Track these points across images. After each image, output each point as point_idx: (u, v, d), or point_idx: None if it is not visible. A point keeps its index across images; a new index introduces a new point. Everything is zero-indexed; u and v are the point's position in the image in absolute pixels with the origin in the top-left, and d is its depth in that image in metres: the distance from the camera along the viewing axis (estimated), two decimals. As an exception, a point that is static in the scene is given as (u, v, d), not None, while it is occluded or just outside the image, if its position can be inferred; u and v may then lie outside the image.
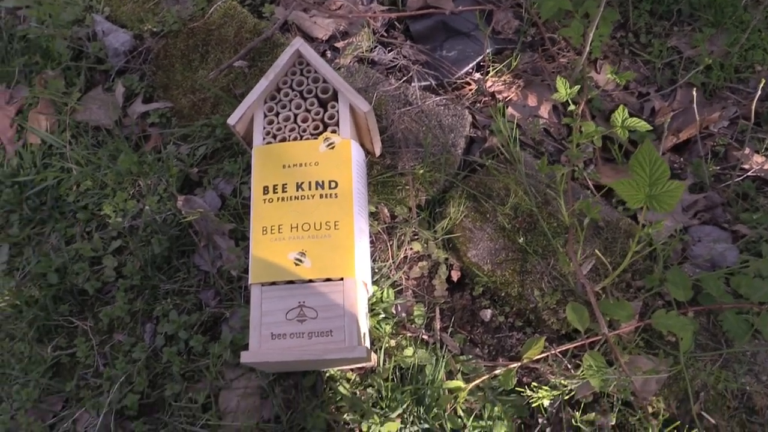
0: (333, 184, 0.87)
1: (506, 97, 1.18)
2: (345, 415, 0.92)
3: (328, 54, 1.23)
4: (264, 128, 0.92)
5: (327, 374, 0.94)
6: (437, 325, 0.98)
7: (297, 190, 0.87)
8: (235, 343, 0.96)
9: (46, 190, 1.16)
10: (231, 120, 0.91)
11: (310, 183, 0.87)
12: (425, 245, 1.01)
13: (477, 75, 1.21)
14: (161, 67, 1.25)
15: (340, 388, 0.93)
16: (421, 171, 1.03)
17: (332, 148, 0.89)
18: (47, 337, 1.04)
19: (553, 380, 0.91)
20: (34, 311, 1.03)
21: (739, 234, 1.03)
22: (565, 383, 0.87)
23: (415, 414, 0.91)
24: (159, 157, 1.14)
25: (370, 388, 0.94)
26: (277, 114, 0.93)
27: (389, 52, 1.22)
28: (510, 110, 1.15)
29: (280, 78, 0.94)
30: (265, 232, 0.86)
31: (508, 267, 0.97)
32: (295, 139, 0.90)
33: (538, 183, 1.03)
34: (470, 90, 1.19)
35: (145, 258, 1.05)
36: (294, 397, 0.93)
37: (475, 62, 1.21)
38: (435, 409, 0.91)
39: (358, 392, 0.93)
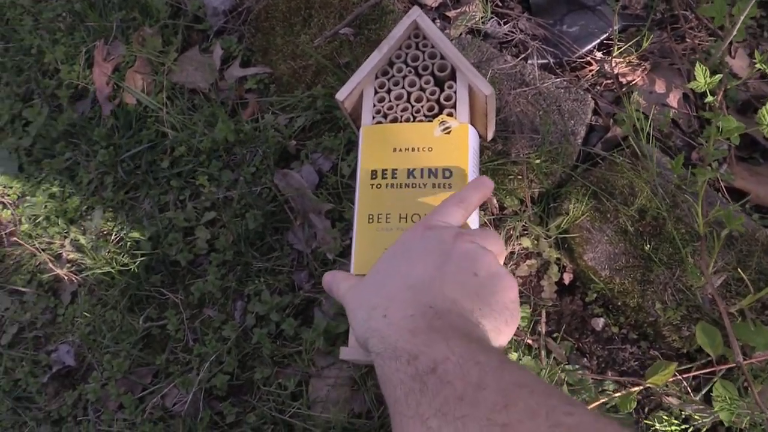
0: (447, 173, 0.78)
1: (631, 81, 1.07)
2: (439, 418, 0.87)
3: (438, 23, 1.15)
4: (374, 106, 0.84)
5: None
6: (543, 329, 0.91)
7: (408, 177, 0.79)
8: (328, 331, 0.91)
9: (141, 154, 1.13)
10: (339, 95, 0.84)
11: (422, 170, 0.78)
12: (535, 242, 0.93)
13: (599, 54, 1.10)
14: (261, 30, 1.19)
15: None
16: (537, 160, 0.95)
17: (448, 132, 0.80)
18: (138, 307, 1.02)
19: (667, 402, 0.83)
20: (126, 279, 1.02)
21: None
22: (696, 416, 0.79)
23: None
24: (256, 126, 1.09)
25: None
26: (389, 91, 0.84)
27: (504, 24, 1.12)
28: (635, 96, 1.04)
29: (393, 51, 0.86)
30: (371, 221, 0.78)
31: (629, 275, 0.88)
32: (407, 120, 0.82)
33: (667, 183, 0.93)
34: (590, 71, 1.09)
35: (238, 232, 1.01)
36: (386, 393, 0.89)
37: (598, 40, 1.10)
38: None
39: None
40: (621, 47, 1.08)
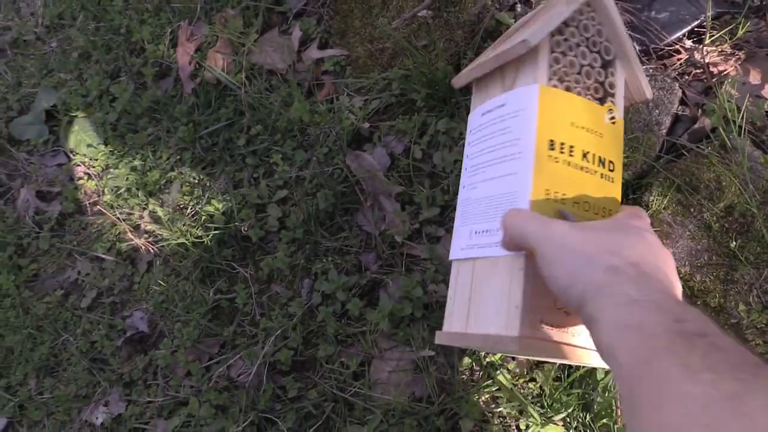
0: (612, 166, 0.71)
1: (723, 71, 1.01)
2: (502, 408, 0.86)
3: (519, 8, 1.12)
4: (551, 66, 0.73)
5: (487, 359, 0.88)
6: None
7: (582, 159, 0.70)
8: (393, 314, 0.91)
9: (219, 131, 1.16)
10: (533, 39, 0.72)
11: (594, 156, 0.71)
12: (611, 235, 0.90)
13: (688, 42, 1.05)
14: (339, 12, 1.20)
15: (500, 377, 0.86)
16: (617, 150, 0.91)
17: (614, 123, 0.73)
18: (209, 279, 1.05)
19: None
20: (199, 252, 1.05)
21: None
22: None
23: (580, 420, 0.83)
24: (331, 107, 1.10)
25: (533, 383, 0.86)
26: (564, 54, 0.74)
27: (589, 9, 1.08)
28: (728, 87, 0.98)
29: (573, 10, 0.75)
30: (548, 194, 0.68)
31: (710, 272, 0.84)
32: (578, 93, 0.73)
33: (759, 178, 0.87)
34: (679, 60, 1.03)
35: (308, 211, 1.02)
36: (449, 378, 0.88)
37: (689, 27, 1.04)
38: (605, 419, 0.82)
39: (519, 384, 0.86)
40: (713, 35, 1.03)
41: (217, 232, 1.06)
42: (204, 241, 1.06)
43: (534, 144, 0.66)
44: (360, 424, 0.87)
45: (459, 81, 0.76)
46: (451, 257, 0.63)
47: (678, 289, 0.48)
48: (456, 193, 0.97)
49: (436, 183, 0.99)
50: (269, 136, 1.12)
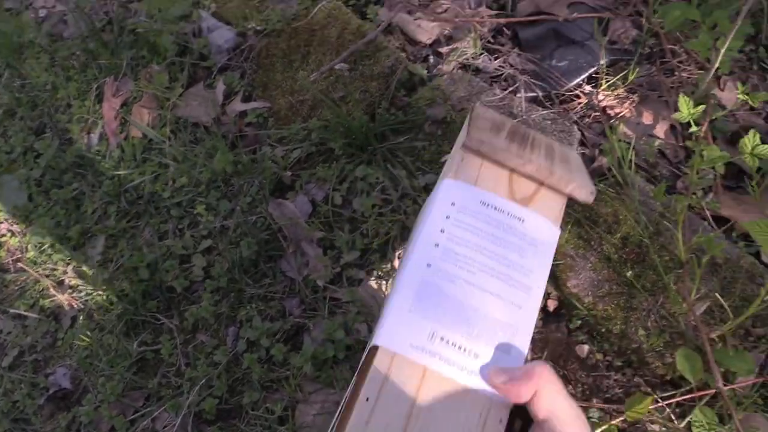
0: None
1: (618, 113, 1.09)
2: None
3: (431, 59, 1.19)
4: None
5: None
6: (528, 356, 0.92)
7: None
8: (316, 357, 0.93)
9: (144, 185, 1.17)
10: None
11: None
12: (521, 270, 0.95)
13: (587, 88, 1.13)
14: (262, 66, 1.24)
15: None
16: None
17: None
18: (134, 332, 1.05)
19: (652, 430, 0.83)
20: (123, 305, 1.05)
21: None
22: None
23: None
24: (254, 158, 1.13)
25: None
26: None
27: (495, 59, 1.16)
28: (622, 128, 1.06)
29: None
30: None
31: (612, 301, 0.89)
32: None
33: (651, 211, 0.94)
34: (579, 104, 1.11)
35: (233, 260, 1.04)
36: (372, 418, 0.90)
37: (587, 74, 1.13)
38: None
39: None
40: (609, 80, 1.11)
41: (141, 284, 1.06)
42: (128, 294, 1.06)
43: (544, 288, 0.60)
44: (286, 469, 0.88)
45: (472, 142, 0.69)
46: (383, 344, 0.45)
47: None
48: (375, 236, 1.00)
49: (356, 227, 1.02)
50: (194, 187, 1.14)
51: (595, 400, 0.88)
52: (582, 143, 1.05)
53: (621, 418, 0.81)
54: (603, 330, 0.89)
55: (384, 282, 0.99)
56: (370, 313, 0.96)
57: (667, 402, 0.84)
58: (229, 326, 1.01)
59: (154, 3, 1.37)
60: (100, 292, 1.08)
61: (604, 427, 0.82)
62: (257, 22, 1.29)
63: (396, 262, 1.00)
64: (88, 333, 1.07)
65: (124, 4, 1.47)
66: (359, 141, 1.05)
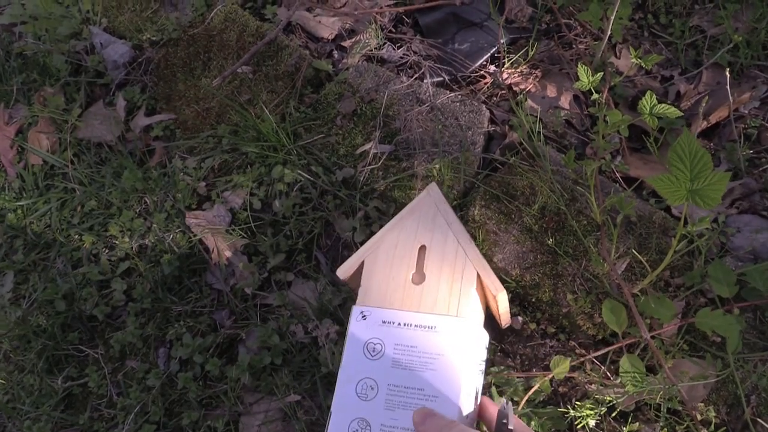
0: None
1: (524, 89, 1.12)
2: None
3: (336, 54, 1.18)
4: None
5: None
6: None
7: None
8: (253, 366, 0.91)
9: (50, 213, 1.11)
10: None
11: None
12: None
13: (492, 67, 1.15)
14: (162, 78, 1.20)
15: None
16: (437, 166, 0.97)
17: None
18: (57, 368, 0.99)
19: (591, 390, 0.85)
20: (42, 341, 0.99)
21: (782, 221, 0.96)
22: (609, 398, 0.81)
23: None
24: (164, 172, 1.09)
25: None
26: None
27: (398, 48, 1.16)
28: (529, 103, 1.09)
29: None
30: None
31: (538, 270, 0.91)
32: None
33: (565, 179, 0.97)
34: (485, 84, 1.13)
35: (155, 279, 1.00)
36: (317, 419, 0.88)
37: (489, 54, 1.15)
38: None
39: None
40: (511, 59, 1.13)
41: (59, 317, 1.00)
42: (46, 329, 1.00)
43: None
44: (235, 485, 0.85)
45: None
46: None
47: None
48: (299, 236, 0.99)
49: (279, 230, 1.01)
50: (104, 209, 1.09)
51: (534, 370, 0.89)
52: (492, 121, 1.07)
53: (550, 376, 0.83)
54: (533, 300, 0.91)
55: (313, 282, 0.97)
56: (303, 313, 0.94)
57: (600, 359, 0.87)
58: (159, 348, 0.97)
59: (39, 23, 1.30)
60: (15, 332, 1.02)
61: (536, 386, 0.83)
62: (152, 33, 1.24)
63: (322, 257, 0.99)
64: (7, 376, 1.00)
65: (8, 27, 1.39)
66: (272, 142, 1.03)
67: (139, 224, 1.05)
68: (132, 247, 1.04)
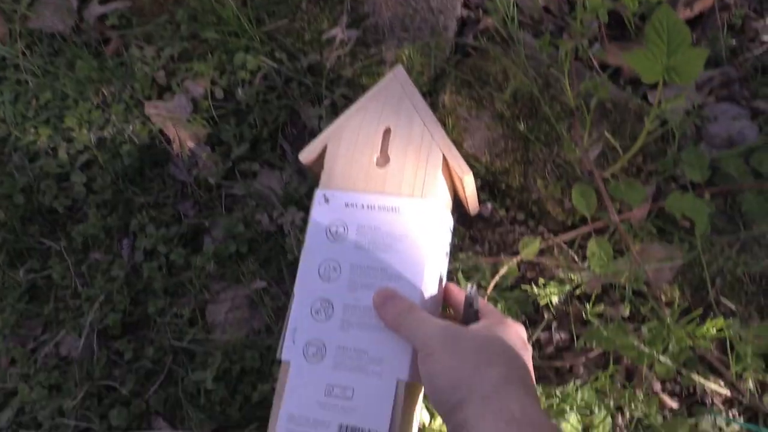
0: None
1: (500, -27, 1.06)
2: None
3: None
4: None
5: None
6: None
7: None
8: (218, 254, 0.89)
9: (3, 106, 1.06)
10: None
11: None
12: (417, 139, 0.93)
13: (466, -49, 1.09)
14: (117, -38, 1.13)
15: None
16: (407, 52, 0.94)
17: None
18: (19, 261, 0.97)
19: (558, 274, 0.85)
20: (2, 234, 0.97)
21: (759, 110, 0.94)
22: (573, 277, 0.81)
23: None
24: (121, 61, 1.04)
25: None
26: None
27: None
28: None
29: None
30: None
31: (509, 157, 0.89)
32: None
33: (539, 65, 0.93)
34: (459, -32, 1.07)
35: (115, 171, 0.97)
36: (283, 304, 0.88)
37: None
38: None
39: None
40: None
41: (18, 210, 0.98)
42: (6, 223, 0.97)
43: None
44: (203, 369, 0.85)
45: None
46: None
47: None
48: (264, 125, 0.96)
49: (243, 119, 0.97)
50: (60, 101, 1.04)
51: (503, 256, 0.89)
52: (465, 5, 1.02)
53: (518, 258, 0.83)
54: (503, 186, 0.90)
55: (279, 171, 0.95)
56: (269, 202, 0.92)
57: (568, 243, 0.86)
58: (122, 239, 0.95)
59: None
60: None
61: (504, 269, 0.83)
62: None
63: (287, 147, 0.97)
64: (-33, 271, 0.99)
65: None
66: (233, 28, 0.98)
67: (97, 116, 1.01)
68: (91, 140, 1.00)
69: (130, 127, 0.99)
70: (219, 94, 0.98)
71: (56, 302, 0.94)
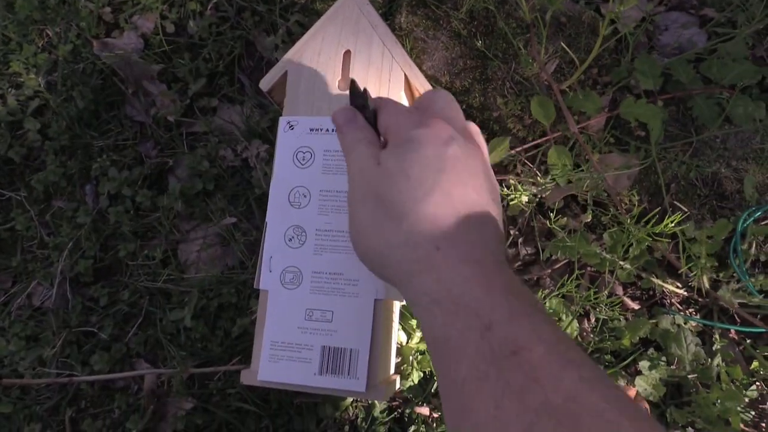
0: None
1: None
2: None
3: None
4: None
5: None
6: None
7: None
8: (185, 193, 0.89)
9: (-58, 54, 1.02)
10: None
11: None
12: (376, 64, 0.92)
13: None
14: None
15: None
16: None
17: None
18: (-21, 214, 0.96)
19: (521, 188, 0.88)
20: (-43, 187, 0.94)
21: (707, 18, 0.96)
22: (537, 188, 0.83)
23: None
24: (63, 0, 1.00)
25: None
26: None
27: None
28: None
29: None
30: None
31: (468, 76, 0.90)
32: None
33: (493, -20, 0.92)
34: None
35: (70, 115, 0.94)
36: (255, 239, 0.89)
37: None
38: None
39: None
40: None
41: (-29, 162, 0.95)
42: (-40, 177, 0.95)
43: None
44: (180, 308, 0.86)
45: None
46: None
47: (499, 218, 0.44)
48: (219, 59, 0.94)
49: (197, 54, 0.95)
50: (3, 45, 1.00)
51: (467, 176, 0.90)
52: None
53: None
54: (464, 106, 0.90)
55: (239, 105, 0.94)
56: (232, 138, 0.91)
57: (530, 159, 0.88)
58: (85, 185, 0.94)
59: None
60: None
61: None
62: None
63: (245, 79, 0.95)
64: (-73, 227, 0.96)
65: None
66: (179, -43, 0.95)
67: (44, 59, 0.98)
68: (40, 84, 0.97)
69: (81, 68, 0.96)
70: (170, 28, 0.95)
71: (23, 254, 0.93)
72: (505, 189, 0.88)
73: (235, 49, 0.93)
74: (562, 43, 0.88)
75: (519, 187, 0.84)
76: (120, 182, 0.90)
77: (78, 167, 0.93)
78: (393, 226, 0.40)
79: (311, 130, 0.67)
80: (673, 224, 0.74)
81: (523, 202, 0.84)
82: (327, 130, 0.67)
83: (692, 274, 0.81)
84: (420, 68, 0.89)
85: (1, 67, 0.99)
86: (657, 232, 0.75)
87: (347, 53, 0.71)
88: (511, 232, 0.89)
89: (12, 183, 0.96)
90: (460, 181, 0.42)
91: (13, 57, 0.98)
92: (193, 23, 0.94)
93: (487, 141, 0.91)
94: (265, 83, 0.72)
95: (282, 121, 0.68)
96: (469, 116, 0.91)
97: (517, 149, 0.87)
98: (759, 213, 0.82)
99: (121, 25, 0.97)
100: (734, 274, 0.81)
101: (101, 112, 0.95)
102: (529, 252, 0.89)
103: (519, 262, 0.89)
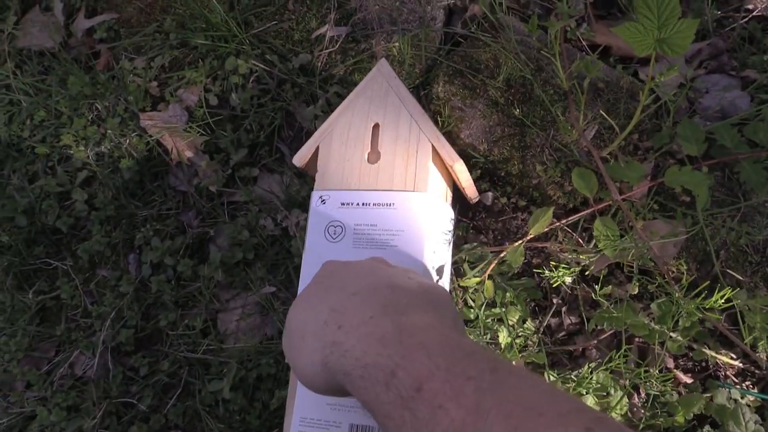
0: None
1: (484, -41, 1.06)
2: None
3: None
4: None
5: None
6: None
7: None
8: (225, 263, 0.89)
9: (-2, 128, 1.06)
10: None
11: None
12: (414, 133, 0.93)
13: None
14: (99, -25, 1.12)
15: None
16: (397, 45, 0.93)
17: None
18: (27, 283, 0.98)
19: (564, 258, 0.86)
20: (7, 258, 0.97)
21: (749, 79, 0.94)
22: (583, 256, 0.81)
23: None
24: (112, 75, 1.04)
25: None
26: None
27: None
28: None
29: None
30: None
31: (506, 143, 0.89)
32: None
33: (529, 49, 0.93)
34: (443, -44, 1.07)
35: (116, 186, 0.97)
36: (296, 309, 0.88)
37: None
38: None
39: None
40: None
41: (21, 232, 0.98)
42: (11, 246, 0.98)
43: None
44: (219, 379, 0.86)
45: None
46: None
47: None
48: (260, 129, 0.96)
49: (239, 125, 0.97)
50: (55, 119, 1.04)
51: (506, 243, 0.89)
52: (452, -6, 1.02)
53: (525, 239, 0.83)
54: (502, 173, 0.90)
55: (279, 174, 0.95)
56: (272, 207, 0.92)
57: (571, 226, 0.87)
58: (128, 254, 0.95)
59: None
60: (-21, 251, 0.99)
61: (505, 251, 0.83)
62: (82, -74, 1.15)
63: (285, 149, 0.97)
64: (-24, 296, 0.99)
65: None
66: (222, 33, 0.98)
67: (93, 131, 1.01)
68: (88, 156, 1.00)
69: (127, 141, 0.99)
70: (213, 100, 0.98)
71: (67, 322, 0.94)
72: (544, 268, 0.86)
73: (276, 120, 0.95)
74: (601, 111, 0.87)
75: (560, 267, 0.82)
76: (162, 251, 0.92)
77: (122, 237, 0.95)
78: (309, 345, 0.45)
79: (342, 204, 0.68)
80: (723, 300, 0.71)
81: (567, 283, 0.83)
82: (358, 204, 0.67)
83: (749, 345, 0.77)
84: (458, 136, 0.90)
85: (53, 140, 1.03)
86: (708, 306, 0.72)
87: (376, 126, 0.72)
88: (554, 300, 0.87)
89: (59, 252, 0.99)
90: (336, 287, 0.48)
91: (64, 130, 1.02)
92: (235, 96, 0.96)
93: (527, 209, 0.91)
94: (299, 159, 0.73)
95: (314, 195, 0.69)
96: (507, 184, 0.91)
97: (562, 222, 0.86)
98: (816, 282, 0.79)
99: (166, 99, 1.01)
100: (792, 347, 0.78)
101: (146, 182, 0.98)
102: (573, 321, 0.86)
103: (563, 332, 0.86)
